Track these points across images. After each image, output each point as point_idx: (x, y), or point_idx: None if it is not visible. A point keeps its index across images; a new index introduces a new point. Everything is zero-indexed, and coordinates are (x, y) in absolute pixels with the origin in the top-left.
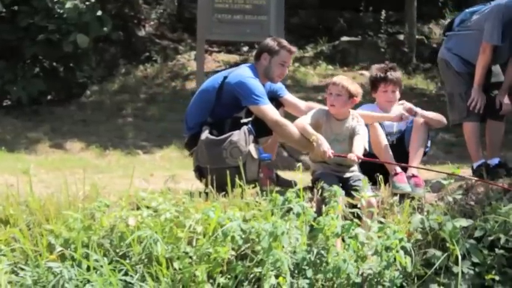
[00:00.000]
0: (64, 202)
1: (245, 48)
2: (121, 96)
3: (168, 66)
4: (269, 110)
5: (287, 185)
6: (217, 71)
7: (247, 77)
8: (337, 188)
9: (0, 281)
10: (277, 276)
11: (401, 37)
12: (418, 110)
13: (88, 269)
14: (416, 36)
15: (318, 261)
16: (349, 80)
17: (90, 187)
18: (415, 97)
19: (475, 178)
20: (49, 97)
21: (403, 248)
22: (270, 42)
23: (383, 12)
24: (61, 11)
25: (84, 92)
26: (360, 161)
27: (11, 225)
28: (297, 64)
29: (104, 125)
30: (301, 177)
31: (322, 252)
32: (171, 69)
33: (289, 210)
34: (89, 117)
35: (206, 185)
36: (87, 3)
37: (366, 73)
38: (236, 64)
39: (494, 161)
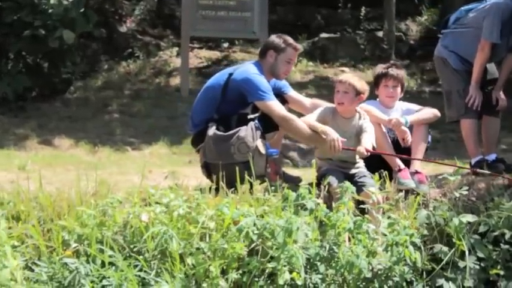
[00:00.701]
0: (76, 198)
1: (225, 45)
2: (105, 93)
3: (151, 62)
4: (275, 106)
5: (293, 180)
6: (200, 68)
7: (253, 74)
8: (348, 184)
9: (16, 277)
10: (290, 272)
11: (379, 34)
12: (408, 118)
13: (102, 265)
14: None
15: (330, 256)
16: (356, 77)
17: (98, 184)
18: None
19: (493, 173)
20: (33, 93)
21: (412, 243)
22: (275, 39)
23: (363, 9)
24: (46, 7)
25: (68, 88)
26: (368, 154)
27: (23, 221)
28: None
29: (90, 121)
30: (312, 172)
31: (334, 247)
32: (153, 65)
33: (299, 206)
34: (75, 113)
35: (214, 181)
36: None
37: (347, 70)
38: (218, 60)
39: (492, 156)
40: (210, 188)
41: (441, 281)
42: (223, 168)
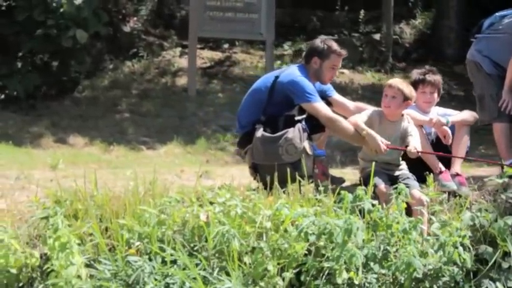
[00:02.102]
0: (134, 197)
1: (226, 46)
2: (113, 92)
3: (155, 62)
4: (322, 107)
5: (337, 181)
6: (205, 68)
7: (299, 76)
8: (402, 186)
9: (81, 273)
10: (346, 271)
11: (376, 36)
12: (450, 118)
13: (162, 263)
14: None
15: (383, 256)
16: (404, 83)
17: (151, 183)
18: None
19: None
20: (42, 92)
21: (461, 244)
22: (319, 45)
23: (362, 12)
24: (57, 5)
25: (76, 87)
26: (419, 154)
27: (80, 220)
28: (278, 62)
29: (101, 120)
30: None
31: (388, 248)
32: (157, 65)
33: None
34: (85, 112)
35: (267, 182)
36: None
37: (346, 71)
38: (220, 61)
39: None
40: (263, 189)
41: (486, 282)
42: (272, 169)
